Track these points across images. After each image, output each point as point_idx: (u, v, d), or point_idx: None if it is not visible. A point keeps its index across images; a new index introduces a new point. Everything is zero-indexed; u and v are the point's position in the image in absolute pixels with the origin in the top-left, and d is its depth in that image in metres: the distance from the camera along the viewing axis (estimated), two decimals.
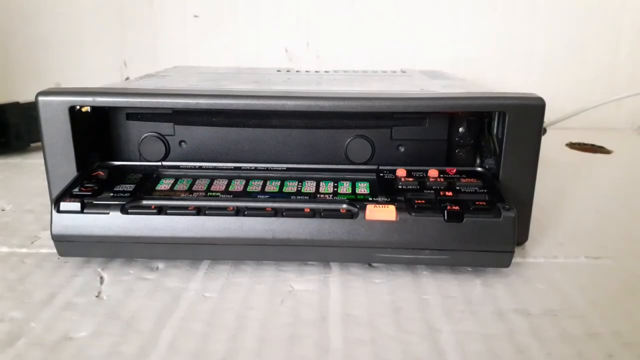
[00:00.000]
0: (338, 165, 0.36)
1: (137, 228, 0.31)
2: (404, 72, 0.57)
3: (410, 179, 0.33)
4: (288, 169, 0.35)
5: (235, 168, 0.36)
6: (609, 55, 0.72)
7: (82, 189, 0.32)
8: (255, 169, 0.35)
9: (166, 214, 0.31)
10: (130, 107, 0.36)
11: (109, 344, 0.25)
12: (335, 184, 0.33)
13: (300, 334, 0.26)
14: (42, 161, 0.33)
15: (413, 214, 0.30)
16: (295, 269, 0.32)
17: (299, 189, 0.33)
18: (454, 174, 0.34)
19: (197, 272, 0.32)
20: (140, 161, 0.37)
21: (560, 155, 0.61)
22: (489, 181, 0.33)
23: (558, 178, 0.50)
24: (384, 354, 0.24)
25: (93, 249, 0.32)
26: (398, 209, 0.30)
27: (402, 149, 0.36)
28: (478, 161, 0.36)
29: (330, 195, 0.32)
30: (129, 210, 0.31)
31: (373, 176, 0.34)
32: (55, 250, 0.31)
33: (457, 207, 0.30)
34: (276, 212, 0.31)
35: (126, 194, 0.32)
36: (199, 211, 0.31)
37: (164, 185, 0.33)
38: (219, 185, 0.33)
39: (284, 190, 0.33)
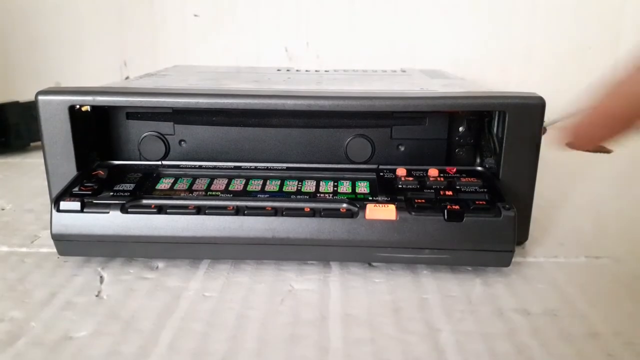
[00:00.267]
0: (338, 164, 0.36)
1: (137, 227, 0.31)
2: (404, 71, 0.57)
3: (410, 179, 0.33)
4: (288, 169, 0.35)
5: (235, 167, 0.36)
6: (609, 55, 0.72)
7: (82, 188, 0.32)
8: (255, 168, 0.35)
9: (166, 213, 0.31)
10: (130, 106, 0.36)
11: (109, 344, 0.25)
12: (335, 184, 0.33)
13: (300, 333, 0.26)
14: (42, 160, 0.33)
15: (413, 213, 0.30)
16: (295, 269, 0.32)
17: (299, 188, 0.33)
18: (454, 173, 0.34)
19: (197, 271, 0.32)
20: (140, 160, 0.37)
21: (560, 155, 0.60)
22: (489, 181, 0.33)
23: (558, 178, 0.50)
24: (384, 354, 0.24)
25: (93, 248, 0.32)
26: (398, 208, 0.30)
27: (402, 149, 0.36)
28: (478, 161, 0.36)
29: (330, 195, 0.32)
30: (128, 210, 0.31)
31: (373, 175, 0.34)
32: (55, 250, 0.31)
33: (457, 207, 0.30)
34: (276, 212, 0.30)
35: (126, 193, 0.32)
36: (199, 210, 0.31)
37: (164, 184, 0.33)
38: (219, 184, 0.33)
39: (284, 189, 0.33)
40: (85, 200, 0.31)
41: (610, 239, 0.37)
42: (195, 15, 0.72)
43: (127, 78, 0.74)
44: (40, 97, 0.33)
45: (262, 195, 0.32)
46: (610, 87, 0.23)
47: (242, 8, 0.72)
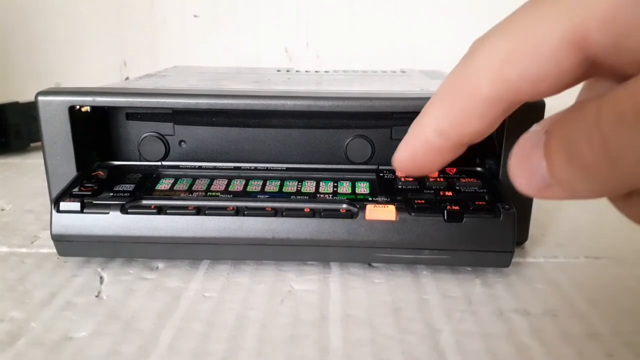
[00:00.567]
0: (338, 165, 0.36)
1: (137, 228, 0.31)
2: (403, 72, 0.57)
3: (410, 179, 0.33)
4: (288, 169, 0.35)
5: (235, 168, 0.36)
6: None
7: (81, 188, 0.32)
8: (255, 168, 0.35)
9: (166, 213, 0.31)
10: (130, 107, 0.36)
11: (108, 344, 0.25)
12: (335, 184, 0.33)
13: (300, 333, 0.26)
14: (42, 161, 0.33)
15: (413, 213, 0.30)
16: (295, 269, 0.32)
17: (299, 188, 0.33)
18: (454, 173, 0.34)
19: (197, 272, 0.32)
20: (140, 161, 0.37)
21: None
22: (489, 181, 0.33)
23: None
24: (384, 354, 0.24)
25: (93, 248, 0.32)
26: (398, 209, 0.30)
27: None
28: (478, 161, 0.36)
29: (330, 195, 0.32)
30: (128, 210, 0.31)
31: (373, 176, 0.34)
32: (55, 250, 0.31)
33: (457, 207, 0.30)
34: (276, 212, 0.31)
35: (126, 194, 0.32)
36: (199, 211, 0.31)
37: (164, 185, 0.33)
38: (219, 185, 0.33)
39: (283, 190, 0.33)
40: (85, 200, 0.31)
41: (610, 239, 0.37)
42: (195, 16, 0.72)
43: (127, 78, 0.74)
44: (40, 98, 0.33)
45: (262, 196, 0.32)
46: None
47: (242, 8, 0.72)
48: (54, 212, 0.31)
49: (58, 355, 0.24)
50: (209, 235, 0.31)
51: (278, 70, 0.56)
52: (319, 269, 0.32)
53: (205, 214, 0.30)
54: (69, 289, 0.30)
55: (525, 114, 0.32)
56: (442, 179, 0.33)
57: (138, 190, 0.32)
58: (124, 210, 0.31)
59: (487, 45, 0.18)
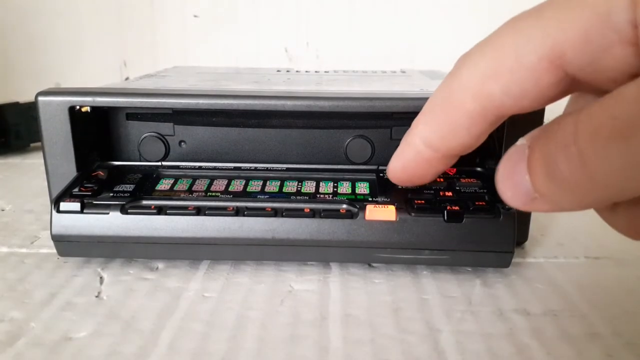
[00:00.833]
0: (338, 165, 0.36)
1: (137, 228, 0.31)
2: (403, 72, 0.57)
3: None
4: (288, 169, 0.35)
5: (235, 168, 0.36)
6: None
7: (81, 188, 0.32)
8: (255, 169, 0.35)
9: (166, 214, 0.31)
10: (130, 107, 0.36)
11: (108, 344, 0.25)
12: (335, 184, 0.33)
13: (300, 334, 0.26)
14: (42, 161, 0.33)
15: (413, 214, 0.30)
16: (295, 269, 0.32)
17: (299, 189, 0.33)
18: (453, 174, 0.34)
19: (197, 272, 0.32)
20: (140, 161, 0.37)
21: None
22: (489, 181, 0.33)
23: None
24: (384, 354, 0.24)
25: (93, 249, 0.32)
26: (398, 209, 0.30)
27: None
28: (478, 161, 0.36)
29: (330, 196, 0.32)
30: (128, 210, 0.31)
31: (373, 176, 0.34)
32: (55, 251, 0.31)
33: (456, 207, 0.30)
34: (276, 212, 0.31)
35: (126, 194, 0.32)
36: (199, 211, 0.31)
37: (164, 185, 0.33)
38: (219, 185, 0.33)
39: (283, 190, 0.33)
40: (85, 201, 0.31)
41: (610, 239, 0.37)
42: (195, 16, 0.73)
43: (127, 79, 0.74)
44: (40, 98, 0.33)
45: (262, 196, 0.32)
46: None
47: (242, 8, 0.72)
48: (54, 212, 0.31)
49: (58, 356, 0.24)
50: (209, 235, 0.30)
51: (278, 71, 0.56)
52: (319, 269, 0.32)
53: (205, 214, 0.30)
54: (68, 289, 0.30)
55: (525, 117, 0.32)
56: (442, 179, 0.33)
57: (138, 190, 0.32)
58: (124, 210, 0.31)
59: (471, 62, 0.18)
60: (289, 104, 0.33)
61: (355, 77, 0.49)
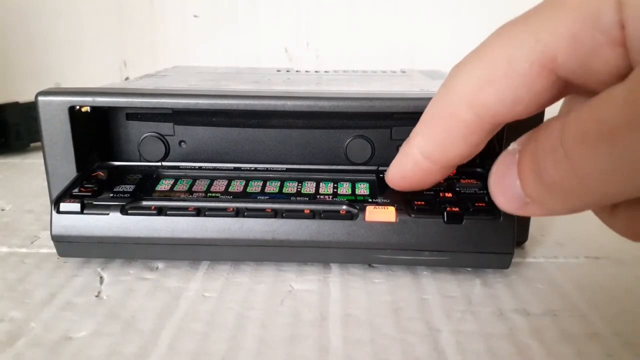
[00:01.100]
0: (338, 165, 0.36)
1: (137, 229, 0.31)
2: (403, 72, 0.57)
3: None
4: (288, 170, 0.35)
5: (235, 169, 0.36)
6: None
7: (81, 189, 0.32)
8: (255, 169, 0.35)
9: (166, 214, 0.31)
10: (130, 107, 0.36)
11: (108, 344, 0.25)
12: (335, 185, 0.33)
13: (300, 334, 0.26)
14: (42, 161, 0.33)
15: (413, 215, 0.30)
16: (295, 269, 0.32)
17: (299, 189, 0.33)
18: (453, 175, 0.34)
19: (197, 272, 0.32)
20: (140, 161, 0.37)
21: None
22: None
23: None
24: (384, 354, 0.24)
25: (93, 249, 0.32)
26: (398, 210, 0.30)
27: None
28: (478, 161, 0.36)
29: (330, 197, 0.32)
30: (128, 211, 0.31)
31: (373, 177, 0.34)
32: (54, 250, 0.31)
33: (456, 209, 0.30)
34: (276, 213, 0.31)
35: (126, 195, 0.32)
36: (199, 212, 0.31)
37: (164, 185, 0.33)
38: (219, 185, 0.33)
39: (283, 191, 0.33)
40: (85, 201, 0.31)
41: (610, 239, 0.37)
42: (195, 16, 0.73)
43: (127, 79, 0.74)
44: (40, 98, 0.33)
45: (262, 197, 0.32)
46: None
47: (242, 8, 0.72)
48: (54, 212, 0.31)
49: (58, 356, 0.24)
50: (209, 236, 0.31)
51: (278, 71, 0.56)
52: (319, 269, 0.32)
53: (205, 215, 0.30)
54: (68, 289, 0.30)
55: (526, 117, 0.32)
56: (442, 180, 0.33)
57: (138, 191, 0.32)
58: (124, 211, 0.31)
59: (463, 72, 0.18)
60: (289, 104, 0.33)
61: (355, 77, 0.49)
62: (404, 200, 0.31)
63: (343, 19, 0.72)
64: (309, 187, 0.33)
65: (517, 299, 0.29)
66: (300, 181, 0.34)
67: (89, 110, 0.35)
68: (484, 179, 0.33)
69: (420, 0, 0.71)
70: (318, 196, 0.32)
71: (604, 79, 0.15)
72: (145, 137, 0.37)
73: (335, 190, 0.33)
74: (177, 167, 0.36)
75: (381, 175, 0.34)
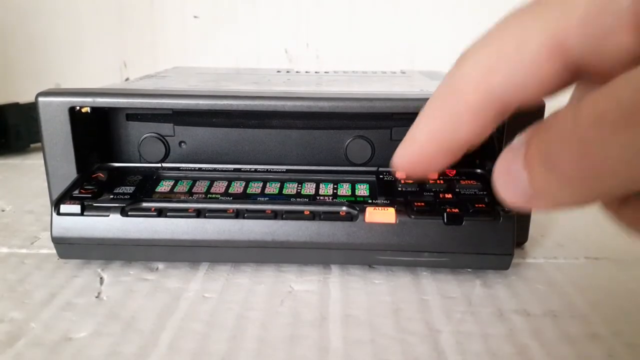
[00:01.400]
0: (338, 166, 0.36)
1: (137, 230, 0.31)
2: (403, 72, 0.57)
3: (410, 181, 0.33)
4: (288, 171, 0.35)
5: (235, 170, 0.36)
6: None
7: (82, 191, 0.32)
8: (255, 170, 0.35)
9: (166, 216, 0.31)
10: (130, 107, 0.36)
11: (108, 344, 0.25)
12: (335, 186, 0.33)
13: (300, 334, 0.26)
14: (42, 162, 0.33)
15: (412, 216, 0.30)
16: (295, 270, 0.32)
17: (299, 190, 0.33)
18: (453, 175, 0.34)
19: (197, 272, 0.32)
20: (140, 162, 0.37)
21: None
22: (489, 182, 0.33)
23: None
24: (384, 354, 0.24)
25: (93, 251, 0.32)
26: (397, 212, 0.30)
27: None
28: (478, 162, 0.36)
29: (330, 197, 0.32)
30: (129, 213, 0.31)
31: (372, 177, 0.34)
32: (54, 251, 0.31)
33: (456, 210, 0.30)
34: (276, 215, 0.31)
35: (126, 196, 0.32)
36: (199, 213, 0.31)
37: (164, 187, 0.33)
38: (219, 187, 0.33)
39: (283, 192, 0.33)
40: (86, 203, 0.31)
41: (610, 240, 0.37)
42: (195, 17, 0.73)
43: (127, 79, 0.74)
44: (40, 99, 0.33)
45: (262, 198, 0.32)
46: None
47: (242, 9, 0.72)
48: (54, 214, 0.31)
49: (58, 356, 0.24)
50: (209, 237, 0.31)
51: (278, 71, 0.56)
52: (319, 270, 0.32)
53: (205, 217, 0.30)
54: (69, 289, 0.30)
55: (526, 115, 0.32)
56: (441, 181, 0.33)
57: (138, 192, 0.32)
58: (124, 212, 0.31)
59: (472, 56, 0.18)
60: (289, 105, 0.33)
61: (355, 78, 0.49)
62: (404, 202, 0.31)
63: (343, 19, 0.72)
64: (308, 189, 0.33)
65: (517, 299, 0.29)
66: (300, 182, 0.34)
67: (89, 111, 0.35)
68: (483, 179, 0.33)
69: (420, 1, 0.71)
70: (318, 197, 0.32)
71: (617, 63, 0.15)
72: (145, 138, 0.37)
73: (335, 191, 0.33)
74: (177, 169, 0.36)
75: (381, 176, 0.34)
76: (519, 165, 0.16)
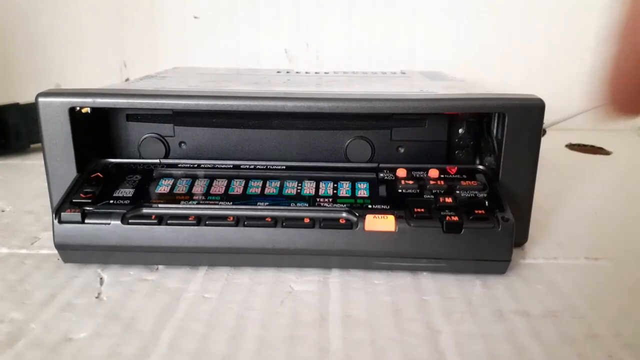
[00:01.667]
0: (338, 163, 0.36)
1: (138, 238, 0.31)
2: (403, 73, 0.57)
3: (410, 182, 0.33)
4: (288, 168, 0.35)
5: (235, 166, 0.35)
6: (608, 57, 0.72)
7: (81, 195, 0.32)
8: (255, 167, 0.35)
9: (167, 224, 0.31)
10: (130, 108, 0.36)
11: (108, 345, 0.25)
12: (335, 185, 0.33)
13: (300, 334, 0.26)
14: (42, 162, 0.33)
15: (412, 224, 0.30)
16: (295, 270, 0.32)
17: (299, 190, 0.33)
18: (454, 173, 0.34)
19: (197, 273, 0.32)
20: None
21: (560, 156, 0.61)
22: (489, 182, 0.33)
23: (558, 179, 0.50)
24: (384, 355, 0.24)
25: (95, 256, 0.32)
26: (397, 219, 0.30)
27: (401, 150, 0.36)
28: (478, 162, 0.36)
29: (330, 199, 0.32)
30: (129, 221, 0.31)
31: (373, 175, 0.34)
32: (55, 252, 0.32)
33: (455, 218, 0.30)
34: (276, 223, 0.31)
35: (126, 201, 0.32)
36: (199, 221, 0.31)
37: (163, 187, 0.33)
38: (218, 186, 0.33)
39: (283, 192, 0.33)
40: (86, 210, 0.31)
41: (610, 240, 0.37)
42: (195, 17, 0.73)
43: (127, 80, 0.74)
44: (40, 99, 0.33)
45: (262, 202, 0.32)
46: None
47: (242, 9, 0.72)
48: (55, 222, 0.31)
49: (58, 356, 0.24)
50: (209, 245, 0.31)
51: (278, 72, 0.56)
52: (319, 270, 0.32)
53: (205, 225, 0.31)
54: (69, 290, 0.30)
55: (525, 114, 0.32)
56: (442, 182, 0.33)
57: (138, 195, 0.32)
58: (124, 220, 0.31)
59: None
60: (289, 105, 0.33)
61: (355, 78, 0.49)
62: (404, 206, 0.31)
63: (343, 20, 0.72)
64: (308, 189, 0.33)
65: (517, 300, 0.29)
66: (300, 180, 0.34)
67: (89, 111, 0.35)
68: (484, 178, 0.33)
69: (420, 1, 0.71)
70: (318, 199, 0.32)
71: None
72: (145, 138, 0.37)
73: (335, 191, 0.33)
74: (176, 166, 0.35)
75: (381, 175, 0.34)
76: None
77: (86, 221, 0.31)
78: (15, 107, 0.57)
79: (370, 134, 0.36)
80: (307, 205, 0.32)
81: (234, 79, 0.48)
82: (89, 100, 0.33)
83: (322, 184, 0.33)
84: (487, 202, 0.31)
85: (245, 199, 0.32)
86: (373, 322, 0.27)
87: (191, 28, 0.73)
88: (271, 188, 0.33)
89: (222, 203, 0.32)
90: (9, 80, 0.74)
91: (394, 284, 0.31)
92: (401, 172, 0.34)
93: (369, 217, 0.30)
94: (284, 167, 0.35)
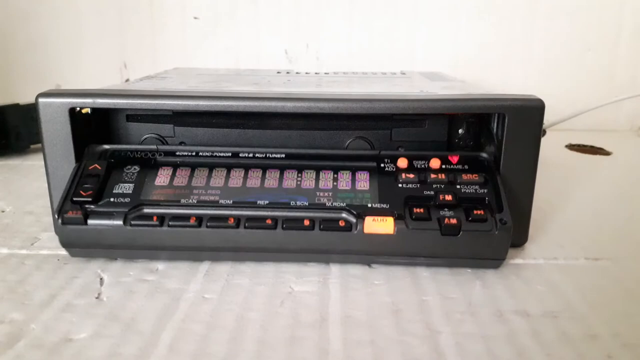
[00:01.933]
0: (339, 150, 0.36)
1: (140, 238, 0.31)
2: (403, 73, 0.57)
3: (411, 175, 0.33)
4: (287, 156, 0.34)
5: (234, 154, 0.35)
6: (608, 57, 0.72)
7: (81, 192, 0.32)
8: (254, 155, 0.34)
9: (168, 225, 0.31)
10: (130, 108, 0.36)
11: (109, 345, 0.25)
12: (335, 175, 0.33)
13: (300, 335, 0.26)
14: (42, 162, 0.34)
15: (410, 227, 0.30)
16: (295, 270, 0.32)
17: (299, 182, 0.33)
18: (456, 162, 0.34)
19: (197, 273, 0.32)
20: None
21: (559, 157, 0.61)
22: (491, 174, 0.33)
23: (558, 179, 0.50)
24: (384, 356, 0.24)
25: (99, 253, 0.33)
26: (396, 221, 0.30)
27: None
28: (479, 153, 0.36)
29: (330, 193, 0.32)
30: (131, 222, 0.31)
31: (373, 164, 0.34)
32: (55, 252, 0.32)
33: (454, 221, 0.30)
34: (276, 224, 0.31)
35: (126, 198, 0.32)
36: (200, 223, 0.31)
37: (162, 177, 0.33)
38: (218, 179, 0.33)
39: (283, 186, 0.33)
40: (88, 209, 0.31)
41: (610, 240, 0.37)
42: (195, 18, 0.73)
43: (127, 80, 0.74)
44: (40, 100, 0.33)
45: (262, 201, 0.32)
46: None
47: (242, 10, 0.72)
48: (58, 223, 0.31)
49: (58, 357, 0.24)
50: (210, 245, 0.31)
51: (278, 72, 0.56)
52: (319, 270, 0.32)
53: (206, 227, 0.31)
54: (69, 290, 0.30)
55: (525, 115, 0.32)
56: (443, 175, 0.33)
57: (137, 190, 0.32)
58: (126, 221, 0.31)
59: None
60: (289, 106, 0.33)
61: (355, 79, 0.49)
62: (403, 204, 0.31)
63: (343, 20, 0.72)
64: (308, 180, 0.33)
65: (516, 300, 0.29)
66: (300, 170, 0.33)
67: (89, 112, 0.35)
68: (486, 170, 0.33)
69: (420, 2, 0.71)
70: (318, 193, 0.32)
71: None
72: (145, 139, 0.37)
73: (335, 183, 0.33)
74: (174, 153, 0.35)
75: (382, 165, 0.34)
76: None
77: (88, 222, 0.31)
78: (16, 107, 0.57)
79: (371, 134, 0.36)
80: (306, 201, 0.32)
81: (234, 80, 0.48)
82: (89, 100, 0.33)
83: (322, 175, 0.33)
84: (486, 199, 0.31)
85: (245, 193, 0.32)
86: (373, 322, 0.27)
87: (191, 29, 0.73)
88: (271, 180, 0.33)
89: (222, 200, 0.32)
90: (9, 81, 0.74)
91: (394, 284, 0.31)
92: (402, 162, 0.34)
93: (368, 220, 0.31)
94: (284, 156, 0.35)
